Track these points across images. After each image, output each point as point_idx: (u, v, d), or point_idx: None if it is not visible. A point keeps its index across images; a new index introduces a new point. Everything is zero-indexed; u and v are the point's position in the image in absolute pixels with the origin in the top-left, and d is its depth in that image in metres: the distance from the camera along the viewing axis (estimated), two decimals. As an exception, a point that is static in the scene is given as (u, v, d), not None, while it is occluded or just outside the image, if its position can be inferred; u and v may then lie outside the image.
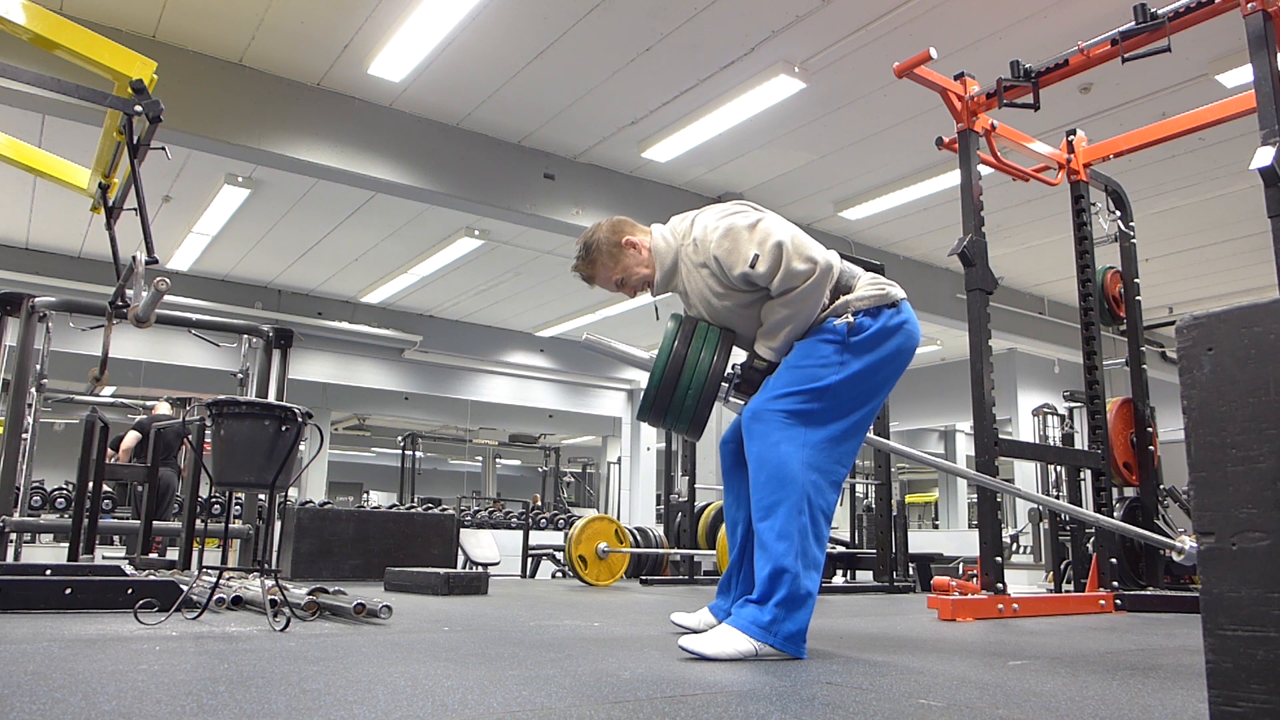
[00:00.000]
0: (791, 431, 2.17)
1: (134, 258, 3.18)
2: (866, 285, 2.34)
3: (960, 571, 6.21)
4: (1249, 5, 3.53)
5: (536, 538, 9.70)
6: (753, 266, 2.23)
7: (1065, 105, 6.43)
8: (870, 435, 2.58)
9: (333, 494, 16.46)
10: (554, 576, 8.87)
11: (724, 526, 2.78)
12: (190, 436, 5.82)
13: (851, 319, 2.26)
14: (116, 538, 7.93)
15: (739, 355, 2.44)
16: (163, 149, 3.17)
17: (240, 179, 8.23)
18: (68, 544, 4.43)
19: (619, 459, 16.22)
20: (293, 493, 8.09)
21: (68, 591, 2.78)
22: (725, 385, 2.36)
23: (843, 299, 2.30)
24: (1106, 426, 4.70)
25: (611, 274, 2.50)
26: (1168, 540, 2.75)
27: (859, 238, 9.84)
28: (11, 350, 5.11)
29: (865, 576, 6.76)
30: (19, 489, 5.34)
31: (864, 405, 2.29)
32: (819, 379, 2.22)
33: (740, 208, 2.37)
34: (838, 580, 6.99)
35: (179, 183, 8.37)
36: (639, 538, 6.96)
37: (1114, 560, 4.45)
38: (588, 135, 7.60)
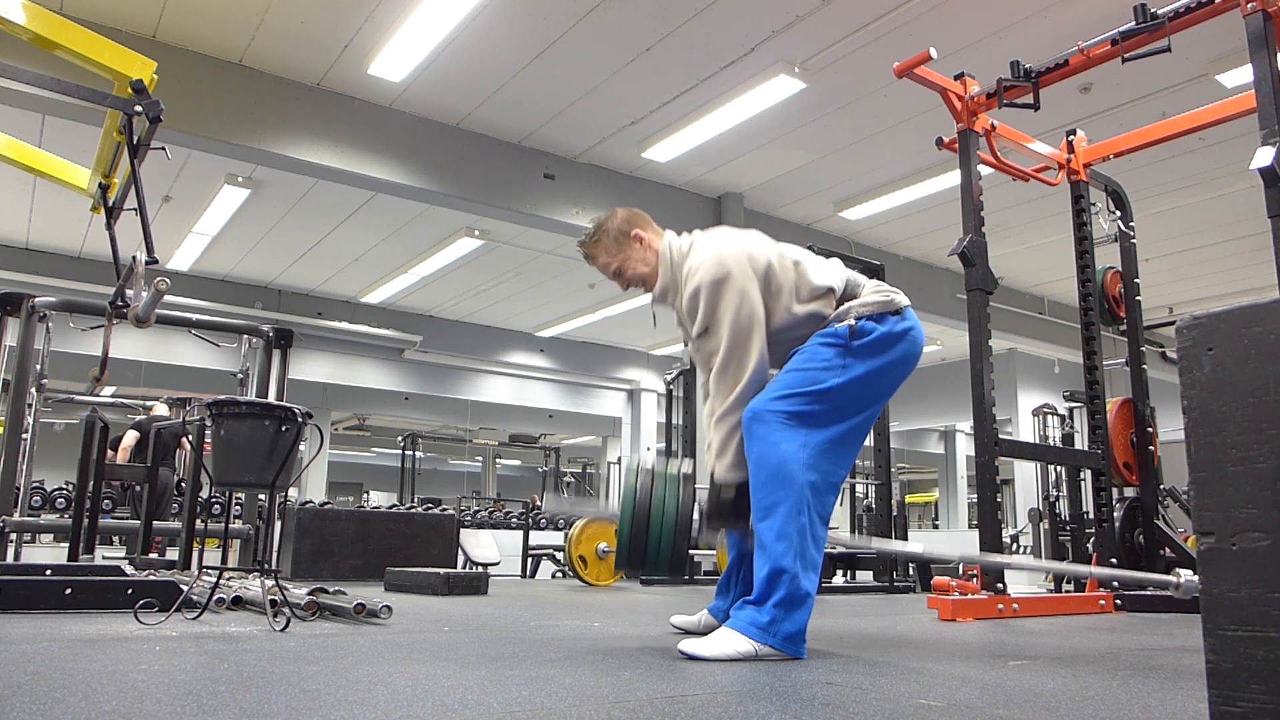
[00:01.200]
0: (792, 432, 2.17)
1: (134, 258, 3.18)
2: (870, 292, 2.34)
3: (960, 572, 6.21)
4: (1249, 5, 3.53)
5: (536, 538, 9.70)
6: (699, 338, 2.30)
7: (1065, 105, 6.43)
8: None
9: (333, 494, 16.47)
10: (554, 576, 8.87)
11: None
12: (190, 436, 5.82)
13: (853, 323, 2.26)
14: (116, 538, 7.94)
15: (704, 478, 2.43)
16: (163, 149, 3.17)
17: (240, 179, 8.23)
18: (68, 544, 4.43)
19: (619, 459, 16.22)
20: (293, 493, 8.09)
21: (68, 591, 2.78)
22: (696, 523, 2.33)
23: (845, 305, 2.31)
24: (1106, 426, 4.70)
25: (611, 260, 2.51)
26: (1163, 578, 2.75)
27: (859, 238, 9.84)
28: (11, 350, 5.11)
29: (865, 576, 6.76)
30: (19, 489, 5.34)
31: (865, 409, 2.29)
32: (820, 381, 2.22)
33: (728, 265, 2.27)
34: (838, 580, 6.99)
35: (179, 183, 8.37)
36: (639, 538, 6.94)
37: (1114, 560, 4.45)
38: (588, 135, 7.60)
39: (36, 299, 5.19)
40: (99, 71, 2.96)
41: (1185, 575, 2.59)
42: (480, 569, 8.27)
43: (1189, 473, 1.04)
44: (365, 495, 22.51)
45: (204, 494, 6.91)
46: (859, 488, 10.22)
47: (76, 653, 1.86)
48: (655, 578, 2.37)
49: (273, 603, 2.59)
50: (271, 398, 5.55)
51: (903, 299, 2.35)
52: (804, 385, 2.22)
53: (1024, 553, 11.89)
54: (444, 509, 8.00)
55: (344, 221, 9.40)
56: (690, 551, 2.31)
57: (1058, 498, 7.50)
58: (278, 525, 5.32)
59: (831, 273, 2.37)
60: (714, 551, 6.19)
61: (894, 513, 6.00)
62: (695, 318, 2.29)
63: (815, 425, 2.20)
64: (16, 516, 5.19)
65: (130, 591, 2.82)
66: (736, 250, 2.30)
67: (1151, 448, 4.99)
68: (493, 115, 7.27)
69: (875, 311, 2.29)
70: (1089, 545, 4.67)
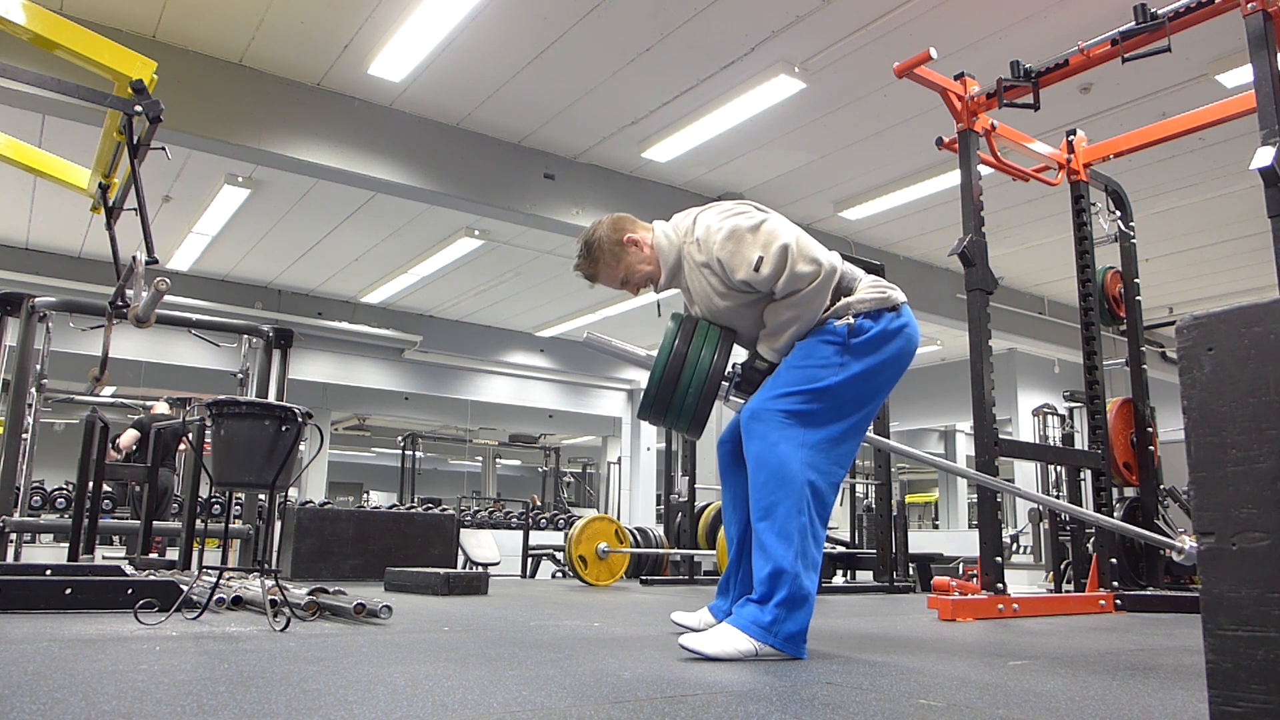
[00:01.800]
0: (791, 431, 2.17)
1: (134, 258, 3.18)
2: (867, 288, 2.33)
3: (960, 571, 6.22)
4: (1249, 5, 3.53)
5: (536, 538, 9.70)
6: (757, 270, 2.23)
7: (1065, 105, 6.43)
8: (870, 434, 2.58)
9: (333, 494, 16.46)
10: (554, 576, 8.87)
11: (723, 526, 2.78)
12: (190, 436, 5.82)
13: (852, 321, 2.26)
14: (116, 538, 7.94)
15: (739, 354, 2.44)
16: (163, 149, 3.17)
17: (240, 179, 8.23)
18: (68, 544, 4.43)
19: (619, 459, 16.22)
20: (293, 493, 8.08)
21: (68, 591, 2.78)
22: (725, 384, 2.36)
23: (843, 301, 2.30)
24: (1106, 426, 4.70)
25: (615, 273, 2.50)
26: (1167, 540, 2.75)
27: (859, 238, 9.84)
28: (11, 350, 5.11)
29: (865, 576, 6.77)
30: (19, 489, 5.34)
31: (863, 407, 2.29)
32: (819, 380, 2.22)
33: (744, 208, 2.35)
34: (838, 580, 6.99)
35: (179, 183, 8.37)
36: (639, 538, 6.96)
37: (1114, 560, 4.45)
38: (588, 135, 7.60)
39: (36, 299, 5.19)
40: (99, 71, 2.96)
41: (1190, 541, 2.59)
42: (480, 569, 8.27)
43: (1189, 473, 1.04)
44: (365, 495, 22.52)
45: (204, 494, 6.92)
46: (859, 488, 10.22)
47: (76, 653, 1.86)
48: (673, 427, 2.37)
49: (273, 603, 2.59)
50: (271, 398, 5.55)
51: (899, 295, 2.35)
52: (802, 384, 2.22)
53: (1024, 553, 11.90)
54: (444, 509, 8.01)
55: (344, 221, 9.40)
56: (709, 413, 2.32)
57: (1058, 498, 7.50)
58: (278, 525, 5.32)
59: (832, 256, 2.36)
60: (714, 551, 6.19)
61: (894, 513, 6.00)
62: (741, 258, 2.24)
63: (814, 424, 2.20)
64: (16, 516, 5.19)
65: (130, 591, 2.82)
66: (741, 203, 2.38)
67: (1151, 448, 4.99)
68: (493, 115, 7.27)
69: (873, 308, 2.29)
70: (1089, 545, 4.67)
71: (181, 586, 2.79)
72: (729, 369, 2.36)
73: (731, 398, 2.39)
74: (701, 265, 2.34)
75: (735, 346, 2.40)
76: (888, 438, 6.02)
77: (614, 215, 2.54)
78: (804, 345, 2.29)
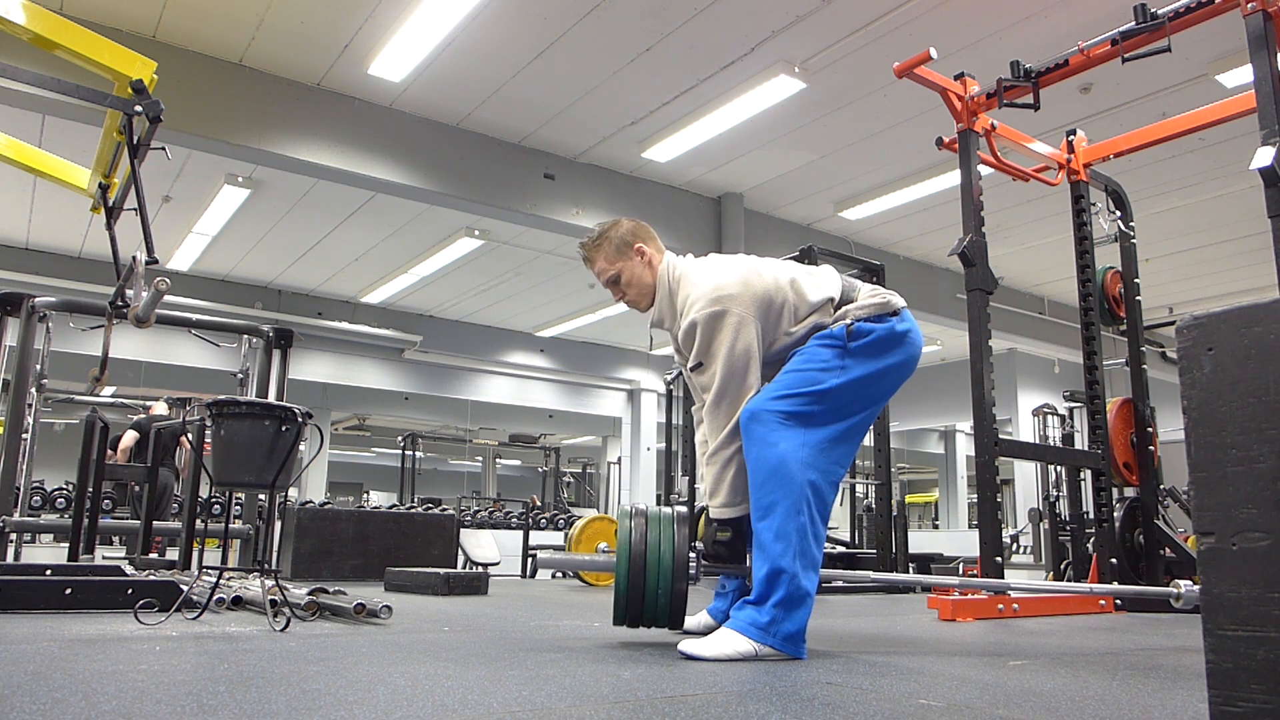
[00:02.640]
0: (789, 432, 2.17)
1: (134, 258, 3.18)
2: (867, 295, 2.35)
3: (960, 571, 6.22)
4: (1249, 5, 3.53)
5: (536, 538, 9.70)
6: (694, 370, 2.31)
7: (1065, 105, 6.44)
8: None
9: (333, 494, 16.46)
10: (554, 576, 8.86)
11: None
12: (190, 436, 5.82)
13: (851, 323, 2.26)
14: (116, 538, 7.93)
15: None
16: (163, 149, 3.17)
17: (240, 179, 8.24)
18: (68, 544, 4.43)
19: (619, 459, 16.22)
20: (293, 493, 8.09)
21: (68, 591, 2.78)
22: (693, 568, 2.26)
23: (843, 309, 2.31)
24: (1106, 426, 4.70)
25: (608, 266, 2.50)
26: (1164, 591, 2.76)
27: (859, 238, 9.85)
28: (11, 350, 5.11)
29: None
30: (19, 489, 5.34)
31: (865, 409, 2.29)
32: (819, 382, 2.22)
33: (724, 300, 2.25)
34: (838, 580, 6.99)
35: (179, 183, 8.37)
36: (639, 538, 6.93)
37: (1114, 560, 4.45)
38: (588, 135, 7.60)
39: (36, 299, 5.18)
40: (99, 71, 2.96)
41: (1185, 585, 2.60)
42: (480, 569, 8.27)
43: (1189, 473, 1.04)
44: (365, 495, 22.51)
45: (204, 494, 6.92)
46: (859, 488, 10.22)
47: (76, 653, 1.86)
48: (654, 626, 2.29)
49: (273, 603, 2.59)
50: (271, 398, 5.55)
51: (899, 300, 2.35)
52: (802, 386, 2.22)
53: (1024, 553, 11.90)
54: (444, 509, 8.01)
55: (344, 221, 9.40)
56: (685, 587, 2.23)
57: (1058, 498, 7.50)
58: (278, 525, 5.31)
59: (826, 284, 2.36)
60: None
61: (894, 513, 5.99)
62: (691, 350, 2.30)
63: (814, 425, 2.20)
64: (16, 516, 5.19)
65: (130, 591, 2.82)
66: (732, 282, 2.29)
67: (1151, 448, 4.99)
68: (493, 115, 7.27)
69: (873, 313, 2.29)
70: (1089, 545, 4.67)
71: (181, 586, 2.79)
72: (691, 549, 2.27)
73: (704, 576, 2.31)
74: (684, 330, 2.35)
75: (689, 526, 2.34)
76: (888, 438, 6.03)
77: (638, 222, 2.55)
78: (805, 349, 2.29)
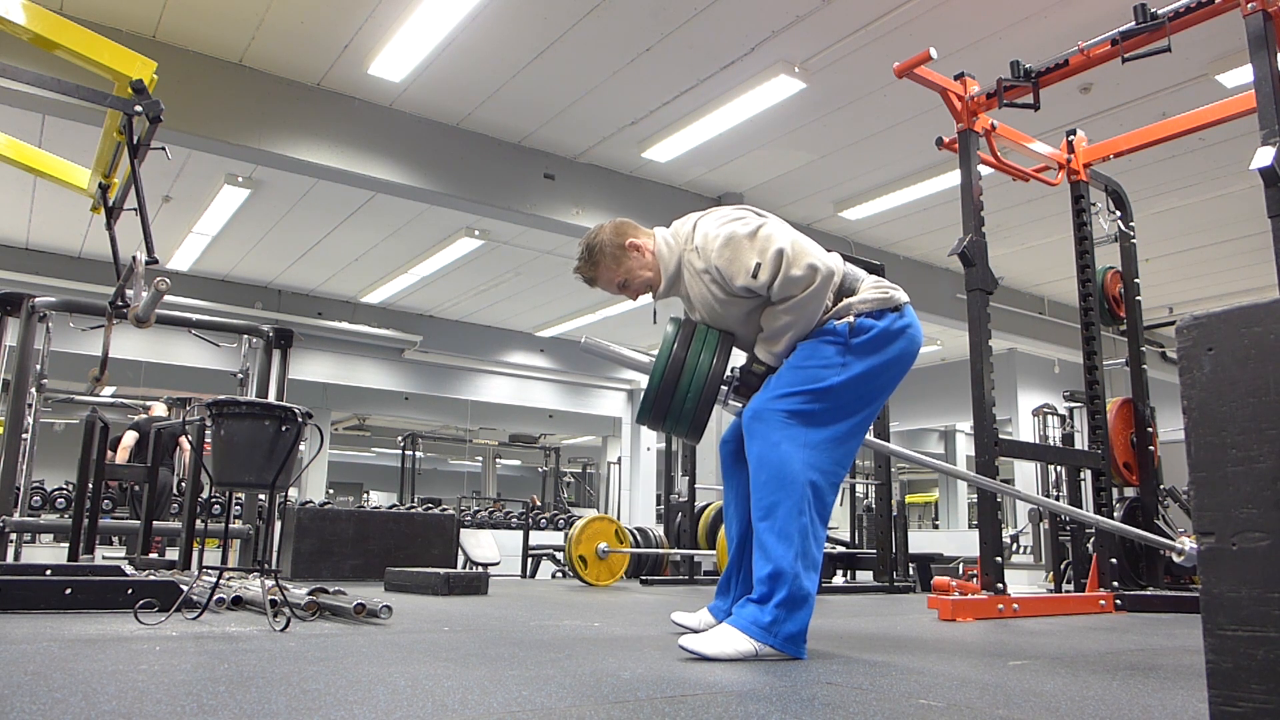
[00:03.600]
0: (792, 431, 2.17)
1: (134, 258, 3.18)
2: (870, 288, 2.33)
3: (960, 571, 6.21)
4: (1249, 5, 3.53)
5: (536, 538, 9.70)
6: (754, 276, 2.23)
7: (1065, 105, 6.44)
8: (868, 437, 2.58)
9: (333, 494, 16.46)
10: (554, 576, 8.87)
11: (724, 526, 2.79)
12: (189, 436, 5.82)
13: (853, 320, 2.26)
14: (116, 538, 7.94)
15: (739, 357, 2.44)
16: (163, 149, 3.17)
17: (240, 179, 8.23)
18: (68, 544, 4.43)
19: (619, 459, 16.22)
20: (293, 493, 8.08)
21: (68, 591, 2.78)
22: (725, 388, 2.35)
23: (845, 302, 2.30)
24: (1106, 426, 4.70)
25: (614, 276, 2.49)
26: (1167, 541, 2.75)
27: (859, 238, 9.84)
28: (11, 350, 5.11)
29: (865, 576, 6.76)
30: (19, 489, 5.34)
31: (865, 407, 2.29)
32: (821, 380, 2.22)
33: (742, 213, 2.35)
34: (838, 580, 6.99)
35: (179, 183, 8.37)
36: (639, 538, 6.96)
37: (1114, 560, 4.45)
38: (588, 135, 7.60)
39: (36, 299, 5.19)
40: (99, 71, 2.96)
41: (1189, 542, 2.59)
42: (480, 569, 8.27)
43: (1189, 473, 1.04)
44: (365, 495, 22.51)
45: (204, 494, 6.92)
46: (859, 488, 10.22)
47: (76, 653, 1.86)
48: (673, 432, 2.35)
49: (273, 603, 2.59)
50: (271, 398, 5.55)
51: (902, 295, 2.35)
52: (804, 384, 2.22)
53: (1024, 553, 11.90)
54: (444, 509, 8.01)
55: (344, 221, 9.40)
56: (708, 417, 2.31)
57: (1058, 497, 7.50)
58: (278, 525, 5.31)
59: (832, 260, 2.36)
60: (714, 551, 6.19)
61: (894, 513, 5.99)
62: (740, 264, 2.24)
63: (816, 424, 2.20)
64: (16, 516, 5.19)
65: (130, 591, 2.82)
66: (740, 208, 2.38)
67: (1151, 448, 4.99)
68: (493, 115, 7.27)
69: (875, 308, 2.29)
70: (1089, 545, 4.67)
71: (181, 586, 2.79)
72: (728, 373, 2.35)
73: (730, 402, 2.38)
74: (701, 272, 2.34)
75: (735, 350, 2.40)
76: (888, 438, 6.03)
77: (616, 220, 2.53)
78: (806, 345, 2.29)
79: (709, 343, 2.33)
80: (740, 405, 2.38)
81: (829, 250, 2.40)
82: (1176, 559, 2.63)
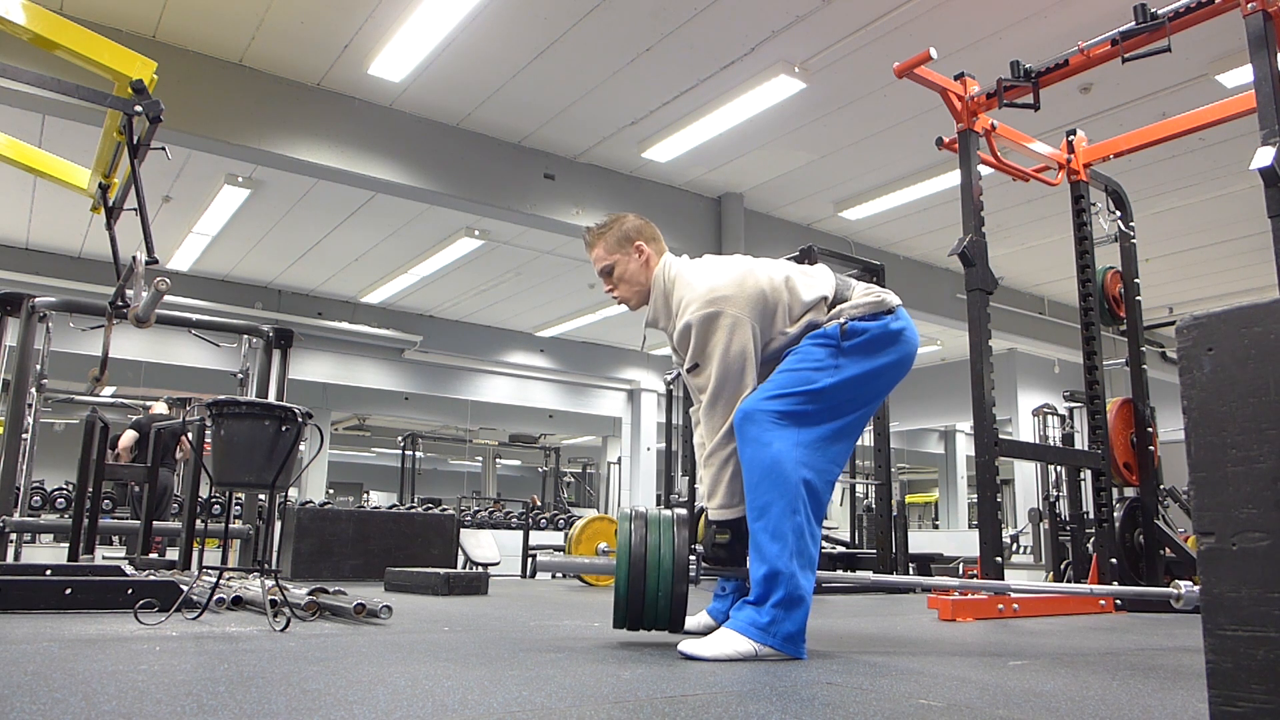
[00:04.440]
0: (784, 431, 2.16)
1: (134, 258, 3.18)
2: (861, 294, 2.33)
3: (960, 571, 6.22)
4: (1249, 5, 3.53)
5: (536, 538, 9.70)
6: (689, 372, 2.30)
7: (1065, 105, 6.44)
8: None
9: (333, 494, 16.46)
10: (554, 577, 8.86)
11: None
12: (189, 436, 5.81)
13: (845, 323, 2.26)
14: (116, 538, 7.93)
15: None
16: (163, 149, 3.17)
17: (240, 179, 8.24)
18: (68, 544, 4.43)
19: (619, 459, 16.22)
20: (293, 493, 8.09)
21: (68, 591, 2.78)
22: (693, 570, 2.27)
23: (838, 308, 2.30)
24: (1106, 426, 4.70)
25: (606, 257, 2.49)
26: (1164, 591, 2.76)
27: (859, 238, 9.85)
28: (11, 350, 5.11)
29: (865, 576, 6.75)
30: (19, 489, 5.34)
31: (859, 408, 2.28)
32: (813, 382, 2.21)
33: (719, 302, 2.25)
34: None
35: (179, 183, 8.37)
36: (639, 538, 6.93)
37: (1114, 560, 4.45)
38: (588, 135, 7.60)
39: (36, 299, 5.19)
40: (99, 71, 2.96)
41: (1185, 586, 2.60)
42: (480, 569, 8.27)
43: (1189, 473, 1.04)
44: (365, 495, 22.51)
45: (204, 494, 6.92)
46: (859, 488, 10.22)
47: (76, 653, 1.86)
48: (655, 629, 2.29)
49: (273, 603, 2.59)
50: (271, 398, 5.55)
51: (894, 299, 2.34)
52: (796, 385, 2.21)
53: (1024, 553, 11.89)
54: (444, 509, 8.01)
55: (344, 221, 9.40)
56: (685, 589, 2.22)
57: (1058, 498, 7.50)
58: (278, 525, 5.31)
59: (821, 282, 2.35)
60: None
61: (894, 513, 5.99)
62: (686, 351, 2.30)
63: (808, 423, 2.19)
64: (16, 516, 5.19)
65: (130, 591, 2.82)
66: (726, 283, 2.28)
67: (1151, 448, 4.99)
68: (493, 115, 7.27)
69: (867, 312, 2.28)
70: (1089, 545, 4.67)
71: (181, 586, 2.79)
72: (690, 555, 2.27)
73: (704, 579, 2.32)
74: (679, 331, 2.34)
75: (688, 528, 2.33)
76: (888, 438, 6.04)
77: (646, 220, 2.53)
78: (799, 348, 2.28)
79: (664, 530, 2.25)
80: (717, 577, 2.38)
81: (829, 259, 2.40)
82: (1175, 604, 2.64)
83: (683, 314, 2.29)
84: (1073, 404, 7.49)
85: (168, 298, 3.34)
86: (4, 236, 10.08)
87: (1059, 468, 7.36)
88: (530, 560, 8.23)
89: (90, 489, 4.51)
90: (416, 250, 10.31)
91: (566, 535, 6.20)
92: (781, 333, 2.31)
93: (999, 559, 3.90)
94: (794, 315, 2.31)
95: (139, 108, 2.95)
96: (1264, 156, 3.34)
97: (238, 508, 7.24)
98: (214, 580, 2.94)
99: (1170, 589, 2.66)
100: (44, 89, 3.06)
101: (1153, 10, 3.81)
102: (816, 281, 2.36)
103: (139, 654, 1.87)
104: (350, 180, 7.23)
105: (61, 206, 8.94)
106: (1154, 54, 3.88)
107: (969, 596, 3.63)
